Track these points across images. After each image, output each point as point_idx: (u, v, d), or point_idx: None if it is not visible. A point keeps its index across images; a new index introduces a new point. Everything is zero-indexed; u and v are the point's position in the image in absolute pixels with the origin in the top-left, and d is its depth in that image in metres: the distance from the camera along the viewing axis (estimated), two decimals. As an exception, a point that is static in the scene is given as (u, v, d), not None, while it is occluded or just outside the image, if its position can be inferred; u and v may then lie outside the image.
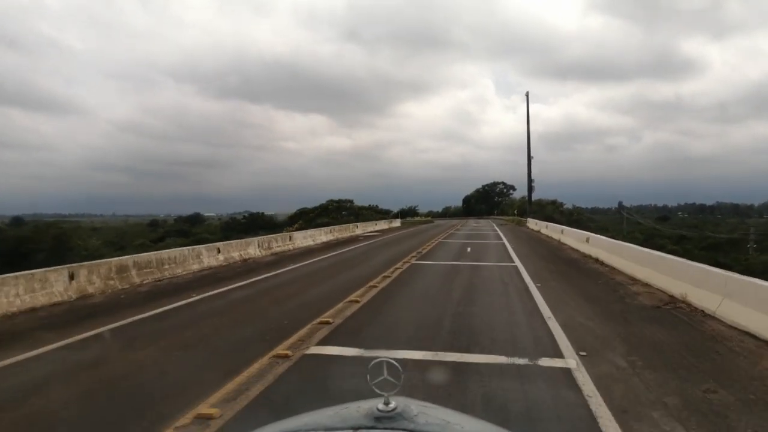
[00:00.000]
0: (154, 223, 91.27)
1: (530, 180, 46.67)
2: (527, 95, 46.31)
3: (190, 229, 76.36)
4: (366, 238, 29.77)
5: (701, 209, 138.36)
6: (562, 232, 24.76)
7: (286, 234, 22.51)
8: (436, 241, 25.04)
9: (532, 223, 39.98)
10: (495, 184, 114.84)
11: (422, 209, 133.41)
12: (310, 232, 25.96)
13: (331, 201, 58.76)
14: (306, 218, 57.26)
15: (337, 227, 30.97)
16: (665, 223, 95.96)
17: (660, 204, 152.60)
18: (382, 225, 43.71)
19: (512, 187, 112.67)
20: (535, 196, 64.72)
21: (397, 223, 50.32)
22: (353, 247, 23.01)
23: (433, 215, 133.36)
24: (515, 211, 63.10)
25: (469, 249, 20.44)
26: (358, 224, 35.46)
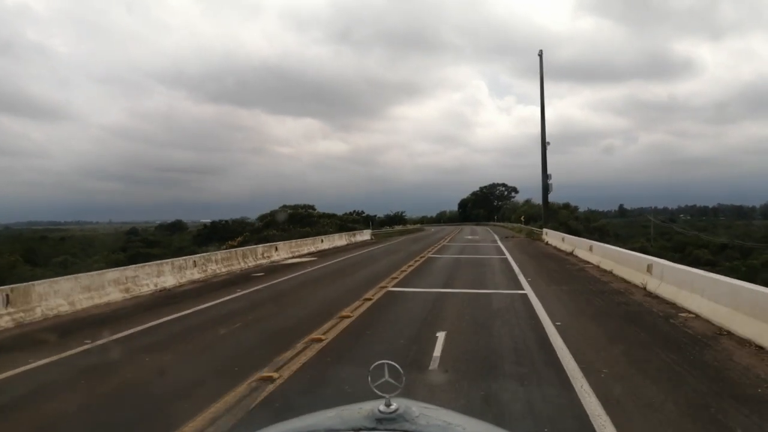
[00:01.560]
0: (133, 231, 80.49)
1: (546, 175, 33.46)
2: (540, 55, 32.88)
3: (157, 239, 66.15)
4: (272, 272, 16.57)
5: (704, 211, 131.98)
6: (649, 269, 11.47)
7: (2, 289, 9.24)
8: (382, 291, 11.84)
9: (555, 238, 26.69)
10: (494, 186, 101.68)
11: (419, 213, 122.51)
12: (129, 271, 12.66)
13: (285, 207, 45.26)
14: (252, 229, 44.00)
15: (222, 254, 17.71)
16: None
17: (660, 206, 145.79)
18: (336, 241, 30.46)
19: (514, 189, 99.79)
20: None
21: (364, 235, 37.07)
22: (183, 313, 9.81)
23: (427, 221, 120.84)
24: (522, 218, 49.88)
25: (439, 347, 7.09)
26: (281, 244, 22.17)
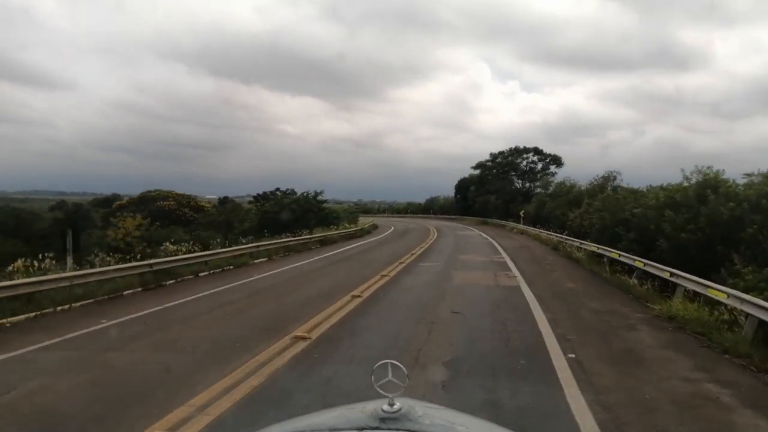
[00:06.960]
0: (60, 206, 60.14)
1: None
2: None
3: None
4: None
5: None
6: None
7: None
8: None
9: None
10: (517, 153, 55.24)
11: (418, 199, 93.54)
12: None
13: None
14: None
15: None
16: None
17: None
18: None
19: (554, 160, 53.26)
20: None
21: None
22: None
23: (413, 209, 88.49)
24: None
25: None
26: None
